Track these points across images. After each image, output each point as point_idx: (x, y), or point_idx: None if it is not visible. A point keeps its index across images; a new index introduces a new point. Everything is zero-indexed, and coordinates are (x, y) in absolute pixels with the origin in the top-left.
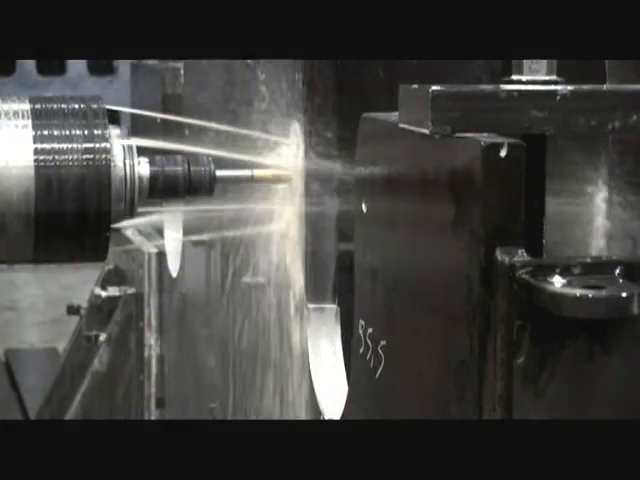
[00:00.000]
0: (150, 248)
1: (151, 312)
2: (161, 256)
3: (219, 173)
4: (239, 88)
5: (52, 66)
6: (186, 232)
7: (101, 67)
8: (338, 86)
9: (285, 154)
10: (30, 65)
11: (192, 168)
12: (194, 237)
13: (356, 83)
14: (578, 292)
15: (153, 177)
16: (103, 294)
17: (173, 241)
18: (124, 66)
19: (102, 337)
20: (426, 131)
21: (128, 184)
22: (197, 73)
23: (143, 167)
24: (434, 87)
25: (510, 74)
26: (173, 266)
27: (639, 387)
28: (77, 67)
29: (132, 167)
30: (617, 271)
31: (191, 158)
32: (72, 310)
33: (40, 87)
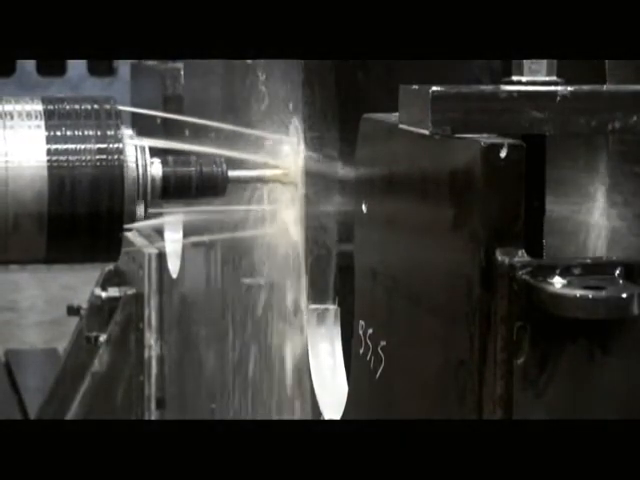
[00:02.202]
0: (150, 249)
1: (151, 313)
2: (161, 257)
3: (231, 173)
4: (239, 89)
5: (52, 67)
6: (186, 233)
7: (101, 68)
8: (338, 86)
9: (285, 155)
10: (30, 66)
11: (204, 169)
12: (194, 239)
13: (356, 83)
14: (578, 293)
15: (165, 178)
16: (103, 295)
17: (173, 242)
18: (124, 67)
19: (102, 338)
20: (426, 132)
21: (141, 185)
22: (197, 73)
23: (156, 168)
24: (434, 88)
25: (510, 74)
26: (173, 267)
27: (639, 387)
28: (77, 68)
29: (145, 168)
30: (617, 272)
31: (203, 159)
32: (72, 311)
33: (40, 88)
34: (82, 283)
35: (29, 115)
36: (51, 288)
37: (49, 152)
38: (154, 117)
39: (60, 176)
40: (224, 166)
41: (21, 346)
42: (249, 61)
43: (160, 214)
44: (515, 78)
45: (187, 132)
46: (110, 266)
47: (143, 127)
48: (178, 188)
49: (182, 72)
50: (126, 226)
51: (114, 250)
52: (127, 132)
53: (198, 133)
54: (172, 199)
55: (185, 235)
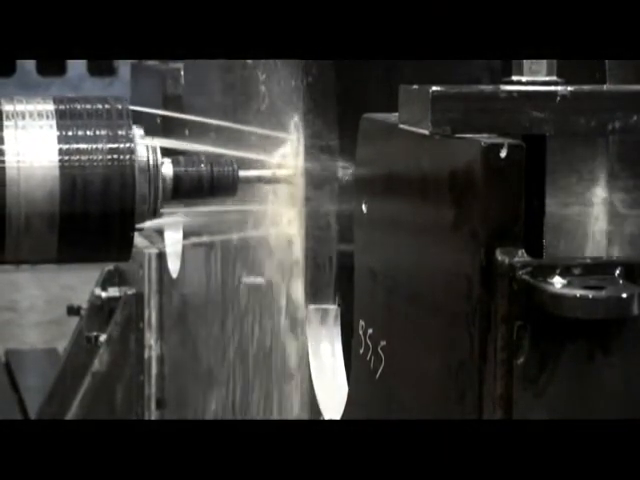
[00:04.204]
0: (151, 249)
1: (151, 313)
2: (161, 257)
3: (242, 173)
4: (239, 89)
5: (52, 67)
6: (186, 233)
7: (101, 68)
8: (338, 86)
9: (285, 155)
10: (30, 65)
11: (215, 168)
12: (194, 239)
13: (356, 83)
14: (578, 293)
15: (177, 177)
16: (103, 295)
17: (173, 242)
18: (124, 67)
19: (102, 338)
20: (426, 132)
21: (152, 185)
22: (197, 73)
23: (167, 167)
24: (434, 88)
25: (510, 74)
26: (173, 267)
27: (639, 387)
28: (77, 68)
29: (156, 167)
30: (617, 272)
31: (214, 158)
32: (72, 311)
33: (40, 88)
34: (82, 283)
35: (40, 115)
36: (51, 288)
37: (61, 152)
38: (154, 117)
39: (72, 176)
40: (235, 166)
41: (21, 346)
42: (249, 61)
43: (169, 213)
44: (515, 78)
45: (187, 132)
46: (110, 266)
47: (143, 127)
48: (189, 188)
49: (182, 72)
50: (137, 226)
51: (125, 250)
52: (138, 132)
53: (198, 133)
54: (183, 199)
55: (185, 235)
